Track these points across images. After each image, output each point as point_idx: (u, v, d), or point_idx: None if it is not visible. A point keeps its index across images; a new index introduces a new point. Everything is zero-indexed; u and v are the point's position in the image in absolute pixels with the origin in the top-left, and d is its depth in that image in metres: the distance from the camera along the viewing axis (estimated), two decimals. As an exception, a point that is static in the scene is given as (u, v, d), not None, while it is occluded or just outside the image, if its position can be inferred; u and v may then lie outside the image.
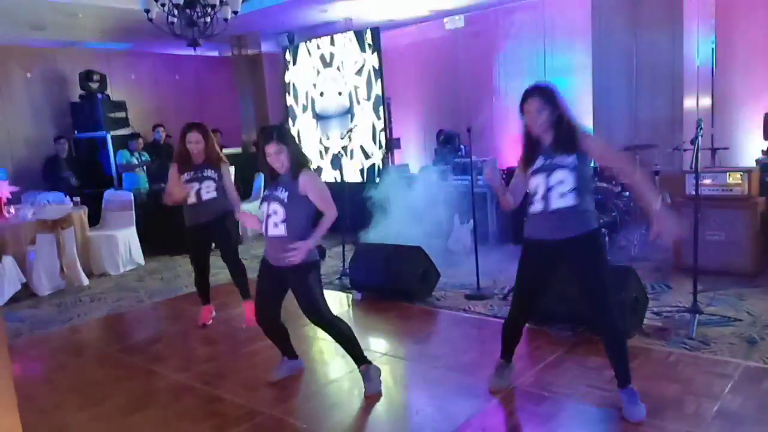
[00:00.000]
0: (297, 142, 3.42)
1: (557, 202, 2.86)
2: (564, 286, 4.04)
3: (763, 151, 5.71)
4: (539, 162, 2.93)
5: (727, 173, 5.10)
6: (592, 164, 3.04)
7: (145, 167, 8.43)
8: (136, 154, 8.44)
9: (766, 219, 5.15)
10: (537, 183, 2.93)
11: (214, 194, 4.50)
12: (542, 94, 2.89)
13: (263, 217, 3.32)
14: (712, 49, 6.54)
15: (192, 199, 4.49)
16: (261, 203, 3.36)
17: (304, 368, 3.76)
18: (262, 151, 3.26)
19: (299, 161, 3.27)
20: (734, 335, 3.81)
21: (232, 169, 4.80)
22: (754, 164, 5.57)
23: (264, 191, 3.43)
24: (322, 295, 3.39)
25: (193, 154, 4.49)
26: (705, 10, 6.45)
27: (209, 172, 4.51)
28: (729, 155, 6.18)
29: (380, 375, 3.43)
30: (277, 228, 3.23)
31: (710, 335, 3.82)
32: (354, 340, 3.39)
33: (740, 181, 5.02)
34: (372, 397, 3.34)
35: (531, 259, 3.06)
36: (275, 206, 3.23)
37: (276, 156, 3.21)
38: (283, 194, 3.22)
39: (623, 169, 2.99)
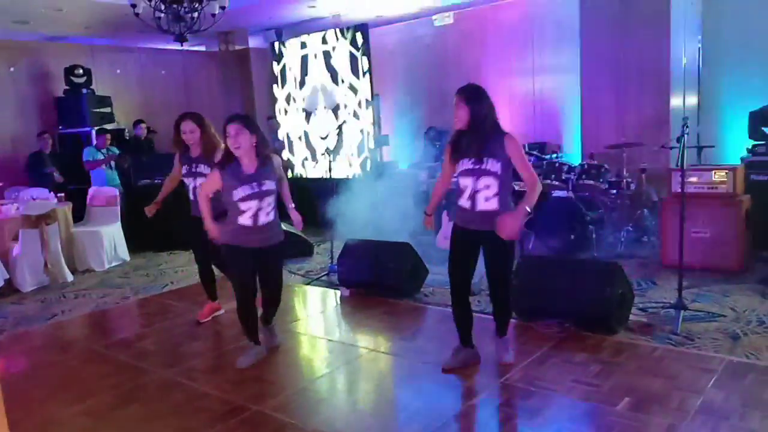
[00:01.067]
0: (261, 131, 3.59)
1: (482, 205, 3.23)
2: (550, 281, 4.08)
3: (748, 149, 5.77)
4: (467, 163, 3.24)
5: (713, 171, 5.15)
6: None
7: (113, 163, 7.89)
8: (104, 150, 7.88)
9: (750, 216, 5.21)
10: (465, 184, 3.27)
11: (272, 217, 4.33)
12: (463, 93, 3.22)
13: (249, 209, 3.50)
14: (699, 48, 6.60)
15: (190, 195, 4.35)
16: (247, 200, 3.48)
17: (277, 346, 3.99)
18: (223, 134, 3.46)
19: (265, 146, 3.52)
20: (718, 331, 3.85)
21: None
22: (739, 162, 5.63)
23: (243, 187, 3.46)
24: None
25: (190, 145, 4.30)
26: (691, 9, 6.50)
27: (202, 168, 4.25)
28: (715, 153, 6.24)
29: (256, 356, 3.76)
30: (269, 216, 3.57)
31: (695, 331, 3.86)
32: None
33: (725, 179, 5.07)
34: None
35: (459, 243, 3.38)
36: (270, 199, 3.54)
37: (234, 137, 3.38)
38: (272, 185, 3.53)
39: (530, 185, 3.20)
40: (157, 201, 4.59)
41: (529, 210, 3.13)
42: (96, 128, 8.35)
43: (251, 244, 3.57)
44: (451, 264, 3.41)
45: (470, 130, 3.22)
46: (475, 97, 3.22)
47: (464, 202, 3.30)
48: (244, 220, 3.51)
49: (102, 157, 7.83)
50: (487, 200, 3.23)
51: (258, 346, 3.84)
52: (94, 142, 8.49)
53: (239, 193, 3.46)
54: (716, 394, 3.00)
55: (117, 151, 8.02)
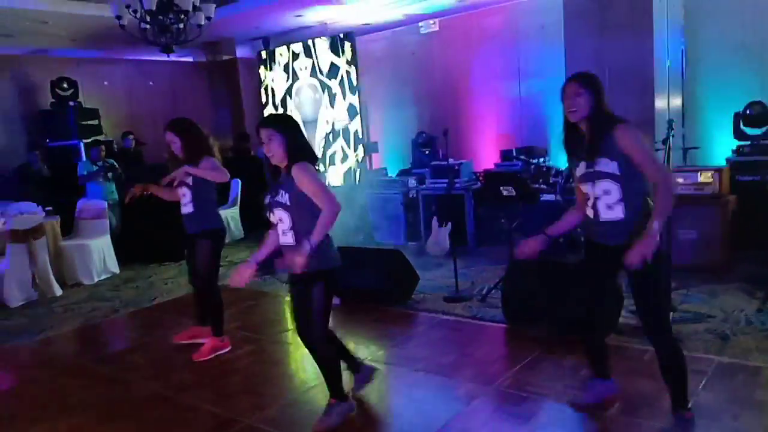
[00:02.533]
0: (298, 131, 2.96)
1: (605, 214, 2.66)
2: (539, 285, 4.09)
3: (733, 150, 5.82)
4: (582, 168, 2.70)
5: (699, 172, 5.19)
6: None
7: (110, 174, 7.67)
8: (99, 163, 7.67)
9: (736, 217, 5.25)
10: (586, 190, 2.72)
11: (190, 209, 4.04)
12: (580, 79, 2.71)
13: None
14: (682, 50, 6.66)
15: (182, 209, 4.14)
16: (267, 211, 2.99)
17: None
18: (259, 141, 2.93)
19: (296, 152, 2.87)
20: (707, 331, 3.87)
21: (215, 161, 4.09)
22: (724, 163, 5.68)
23: (268, 195, 2.99)
24: (324, 314, 3.03)
25: (178, 156, 4.07)
26: (674, 11, 6.56)
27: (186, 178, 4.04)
28: (700, 154, 6.28)
29: (345, 415, 3.10)
30: (285, 236, 2.94)
31: (684, 332, 3.88)
32: (337, 372, 3.12)
33: (711, 180, 5.11)
34: (315, 428, 3.02)
35: (590, 261, 2.87)
36: (280, 213, 2.90)
37: (267, 145, 2.86)
38: (284, 197, 2.86)
39: (657, 185, 2.55)
40: (148, 186, 4.24)
41: (658, 227, 2.47)
42: (89, 140, 8.25)
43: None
44: (586, 285, 2.91)
45: (585, 124, 2.69)
46: (596, 82, 2.69)
47: (588, 210, 2.75)
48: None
49: (96, 170, 7.60)
50: (610, 208, 2.65)
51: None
52: (83, 155, 8.45)
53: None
54: (707, 395, 3.02)
55: (113, 163, 7.82)
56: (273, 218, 2.98)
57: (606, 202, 2.64)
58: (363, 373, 3.42)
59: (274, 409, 3.35)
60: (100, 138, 8.88)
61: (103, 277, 6.87)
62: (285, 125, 2.93)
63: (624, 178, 2.58)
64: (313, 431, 3.00)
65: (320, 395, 3.53)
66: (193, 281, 4.31)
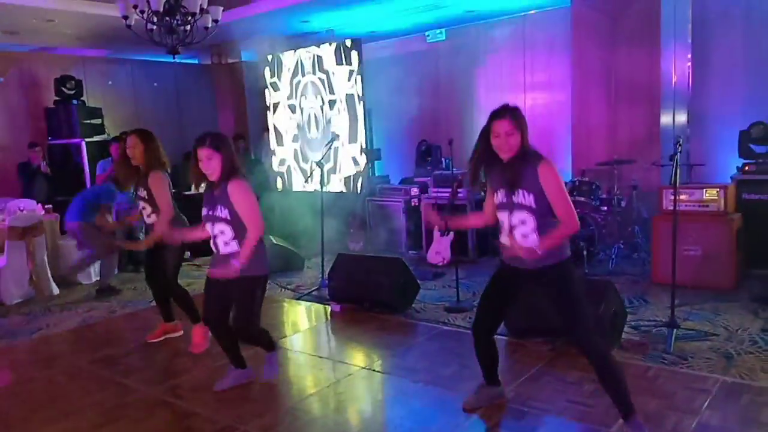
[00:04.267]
0: (233, 151, 3.27)
1: (521, 242, 2.75)
2: (541, 300, 4.04)
3: (738, 167, 5.80)
4: (501, 196, 2.81)
5: (704, 189, 5.17)
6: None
7: None
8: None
9: (741, 235, 5.23)
10: (502, 218, 2.85)
11: (154, 218, 4.18)
12: (513, 117, 2.75)
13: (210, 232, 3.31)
14: (689, 66, 6.65)
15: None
16: (204, 223, 3.32)
17: (253, 376, 3.68)
18: (194, 157, 3.19)
19: (231, 168, 3.18)
20: (711, 350, 3.83)
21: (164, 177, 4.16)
22: (729, 181, 5.66)
23: (204, 208, 3.29)
24: (257, 312, 3.40)
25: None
26: (681, 29, 6.56)
27: (140, 191, 4.17)
28: (704, 171, 6.27)
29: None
30: (228, 246, 3.25)
31: (688, 350, 3.84)
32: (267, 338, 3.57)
33: (716, 197, 5.09)
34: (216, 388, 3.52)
35: (500, 280, 3.03)
36: (221, 227, 3.22)
37: (207, 162, 3.15)
38: (224, 212, 3.18)
39: (562, 222, 2.69)
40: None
41: (544, 246, 2.65)
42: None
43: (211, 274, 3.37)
44: (481, 300, 3.09)
45: (512, 159, 2.75)
46: (523, 120, 2.78)
47: (504, 238, 2.89)
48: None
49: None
50: (525, 237, 2.75)
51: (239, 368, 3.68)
52: (85, 155, 8.41)
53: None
54: (712, 415, 2.98)
55: None
56: (210, 229, 3.27)
57: (521, 231, 2.76)
58: (241, 372, 3.66)
59: (271, 416, 3.30)
60: (102, 138, 8.85)
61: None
62: (226, 146, 3.21)
63: (539, 211, 2.70)
64: (215, 390, 3.52)
65: (318, 403, 3.49)
66: (153, 283, 4.46)
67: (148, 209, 4.19)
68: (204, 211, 3.30)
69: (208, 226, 3.30)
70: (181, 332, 4.63)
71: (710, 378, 3.40)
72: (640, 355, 3.79)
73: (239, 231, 3.18)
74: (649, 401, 3.14)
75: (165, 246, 4.13)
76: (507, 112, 2.77)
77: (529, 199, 2.71)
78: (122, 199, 6.27)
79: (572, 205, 2.74)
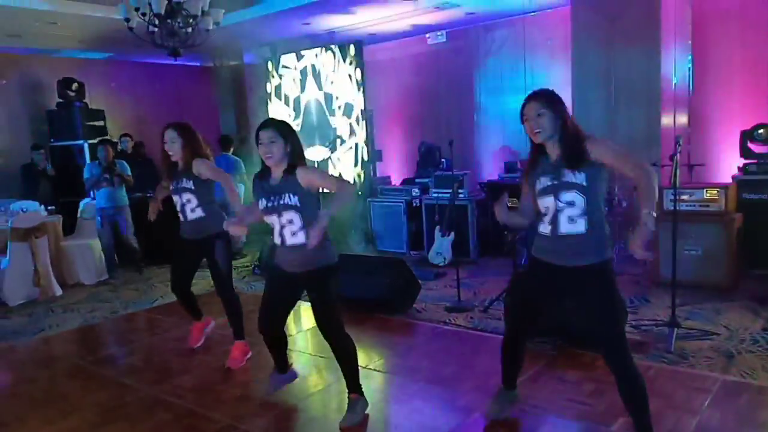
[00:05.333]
0: (298, 139, 3.07)
1: (566, 227, 2.60)
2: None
3: (739, 167, 5.80)
4: (545, 181, 2.64)
5: (704, 189, 5.17)
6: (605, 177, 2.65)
7: (116, 178, 6.84)
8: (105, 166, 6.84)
9: (742, 235, 5.23)
10: (546, 205, 2.65)
11: (200, 213, 3.92)
12: (541, 98, 2.65)
13: (273, 225, 3.05)
14: (689, 68, 6.66)
15: (180, 215, 4.03)
16: (267, 215, 3.03)
17: (297, 376, 3.62)
18: (256, 139, 3.00)
19: (297, 156, 3.01)
20: (712, 349, 3.84)
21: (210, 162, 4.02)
22: (730, 181, 5.66)
23: (262, 200, 3.03)
24: (338, 304, 3.18)
25: (171, 156, 3.94)
26: (682, 29, 6.57)
27: (185, 182, 3.92)
28: (705, 171, 6.27)
29: (366, 410, 3.21)
30: (296, 237, 2.98)
31: (688, 349, 3.84)
32: (356, 364, 3.20)
33: (717, 197, 5.10)
34: (346, 429, 3.10)
35: (534, 278, 2.84)
36: (290, 215, 2.96)
37: (268, 146, 2.94)
38: (294, 200, 2.94)
39: (638, 177, 2.51)
40: (155, 200, 4.32)
41: (653, 214, 2.40)
42: (95, 140, 8.00)
43: (282, 266, 3.14)
44: (518, 302, 2.92)
45: (554, 141, 2.63)
46: (557, 99, 2.66)
47: (544, 227, 2.70)
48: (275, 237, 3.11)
49: (105, 174, 6.79)
50: (572, 221, 2.59)
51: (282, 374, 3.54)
52: (88, 157, 8.42)
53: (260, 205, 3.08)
54: (712, 414, 2.98)
55: (123, 167, 7.01)
56: (277, 220, 3.01)
57: (569, 214, 2.58)
58: (285, 376, 3.52)
59: (272, 416, 3.31)
60: (107, 139, 8.88)
61: (103, 278, 6.84)
62: (290, 133, 3.02)
63: (590, 191, 2.55)
64: (342, 428, 3.12)
65: (318, 403, 3.50)
66: (179, 288, 4.24)
67: (194, 202, 3.91)
68: (263, 203, 3.01)
69: (273, 218, 3.04)
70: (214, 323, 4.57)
71: (711, 377, 3.40)
72: (641, 354, 3.78)
73: (307, 219, 2.95)
74: (650, 400, 3.13)
75: (220, 235, 3.91)
76: (533, 95, 2.69)
77: (580, 177, 2.55)
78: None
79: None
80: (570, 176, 2.56)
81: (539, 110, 2.62)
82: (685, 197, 5.13)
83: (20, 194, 7.59)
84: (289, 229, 3.00)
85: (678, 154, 4.04)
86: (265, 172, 3.08)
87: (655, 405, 3.07)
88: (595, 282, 2.59)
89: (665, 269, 5.00)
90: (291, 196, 2.95)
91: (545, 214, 2.67)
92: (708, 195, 5.15)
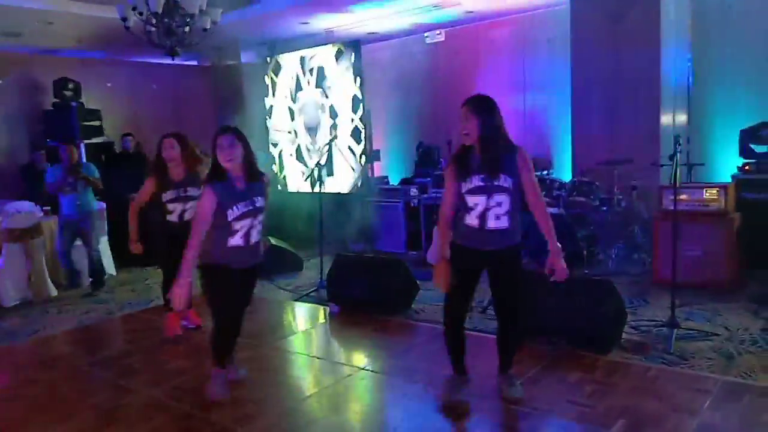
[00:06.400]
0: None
1: (493, 223, 3.00)
2: (542, 299, 4.03)
3: (738, 167, 5.79)
4: (476, 181, 2.98)
5: (704, 189, 5.15)
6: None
7: (81, 182, 6.11)
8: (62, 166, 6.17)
9: (742, 235, 5.21)
10: (476, 202, 3.01)
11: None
12: (472, 104, 3.01)
13: (242, 227, 3.23)
14: (689, 66, 6.64)
15: (173, 218, 4.29)
16: (244, 219, 3.20)
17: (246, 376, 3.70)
18: (213, 147, 3.18)
19: (255, 162, 3.27)
20: (712, 350, 3.81)
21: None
22: (729, 180, 5.64)
23: (235, 201, 3.16)
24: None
25: (170, 166, 4.23)
26: (682, 28, 6.56)
27: (192, 191, 4.18)
28: (704, 171, 6.25)
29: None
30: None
31: (688, 350, 3.82)
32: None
33: (716, 197, 5.08)
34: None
35: (462, 262, 3.10)
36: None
37: (230, 149, 3.14)
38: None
39: (539, 208, 3.04)
40: (134, 240, 4.56)
41: (556, 245, 3.03)
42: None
43: (241, 264, 3.30)
44: (452, 289, 3.08)
45: (481, 145, 2.98)
46: (486, 107, 3.01)
47: (472, 220, 3.04)
48: (236, 240, 3.23)
49: (68, 178, 6.09)
50: (498, 218, 3.00)
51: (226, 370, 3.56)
52: (84, 156, 8.35)
53: (235, 211, 3.17)
54: (713, 415, 2.95)
55: (92, 167, 6.42)
56: (248, 223, 3.21)
57: (496, 212, 2.99)
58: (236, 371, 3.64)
59: (270, 418, 3.28)
60: (101, 139, 8.84)
61: (48, 294, 6.74)
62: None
63: (514, 194, 3.00)
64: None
65: (317, 404, 3.47)
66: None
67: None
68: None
69: (246, 221, 3.22)
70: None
71: (711, 378, 3.38)
72: (641, 355, 3.77)
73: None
74: (649, 402, 3.12)
75: None
76: (467, 101, 3.08)
77: (508, 182, 2.97)
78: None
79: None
80: (501, 180, 2.95)
81: (468, 115, 2.99)
82: (684, 197, 5.11)
83: (20, 195, 7.54)
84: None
85: (678, 154, 4.02)
86: (219, 179, 3.20)
87: (655, 406, 3.06)
88: (510, 260, 3.11)
89: (664, 269, 4.98)
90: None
91: (472, 209, 3.02)
92: (707, 195, 5.13)
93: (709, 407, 3.04)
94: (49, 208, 6.80)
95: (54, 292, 6.18)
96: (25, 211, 6.16)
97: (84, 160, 8.23)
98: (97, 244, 6.44)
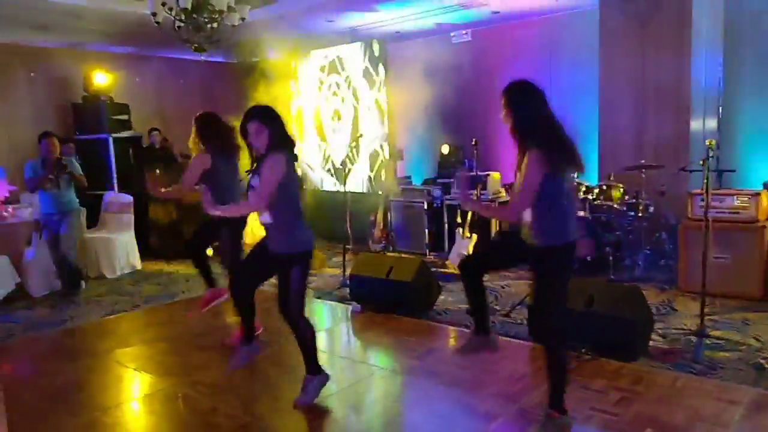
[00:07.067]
0: (282, 124, 3.23)
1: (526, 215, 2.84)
2: (569, 304, 3.98)
3: (770, 174, 5.67)
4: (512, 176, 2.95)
5: (735, 196, 5.05)
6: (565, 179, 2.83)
7: (63, 177, 5.74)
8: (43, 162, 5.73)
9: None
10: None
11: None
12: (506, 92, 2.91)
13: None
14: (720, 71, 6.52)
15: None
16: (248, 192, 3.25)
17: (259, 350, 3.60)
18: (242, 130, 3.20)
19: (276, 143, 3.15)
20: (741, 361, 3.74)
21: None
22: (761, 188, 5.53)
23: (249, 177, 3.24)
24: (301, 293, 3.24)
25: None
26: (713, 33, 6.43)
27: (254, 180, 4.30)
28: (735, 178, 6.13)
29: (321, 387, 3.39)
30: (263, 216, 3.17)
31: (717, 360, 3.75)
32: (313, 348, 3.37)
33: (747, 204, 4.97)
34: (298, 406, 3.30)
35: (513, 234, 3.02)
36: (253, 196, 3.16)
37: (255, 136, 3.14)
38: (256, 181, 3.13)
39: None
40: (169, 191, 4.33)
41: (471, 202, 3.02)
42: (44, 131, 7.48)
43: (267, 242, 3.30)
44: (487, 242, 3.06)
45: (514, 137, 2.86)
46: (520, 96, 2.89)
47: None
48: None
49: (49, 173, 5.67)
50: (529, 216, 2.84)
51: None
52: (112, 151, 8.46)
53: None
54: (743, 428, 2.90)
55: (75, 163, 6.07)
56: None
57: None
58: (251, 347, 3.50)
59: (293, 414, 3.29)
60: (129, 133, 8.93)
61: (125, 271, 6.90)
62: (272, 120, 3.20)
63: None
64: (295, 406, 3.29)
65: (338, 403, 3.47)
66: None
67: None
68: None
69: None
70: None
71: (741, 389, 3.31)
72: (668, 363, 3.71)
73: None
74: (677, 412, 3.07)
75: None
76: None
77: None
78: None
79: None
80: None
81: (505, 102, 2.89)
82: (714, 204, 5.01)
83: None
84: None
85: (709, 159, 3.94)
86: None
87: (683, 416, 3.02)
88: (536, 262, 2.86)
89: (692, 277, 4.90)
90: (257, 177, 3.11)
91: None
92: (738, 202, 5.03)
93: (740, 419, 2.97)
94: (78, 200, 6.87)
95: (82, 284, 6.26)
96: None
97: (112, 152, 8.37)
98: (75, 245, 5.94)
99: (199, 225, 4.40)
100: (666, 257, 5.92)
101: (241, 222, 4.32)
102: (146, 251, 7.39)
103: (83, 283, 6.19)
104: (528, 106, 2.82)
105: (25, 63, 8.78)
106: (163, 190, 4.22)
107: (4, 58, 8.57)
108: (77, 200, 5.98)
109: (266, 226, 3.22)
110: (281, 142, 3.17)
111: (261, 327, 4.40)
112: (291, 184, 3.17)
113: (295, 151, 3.27)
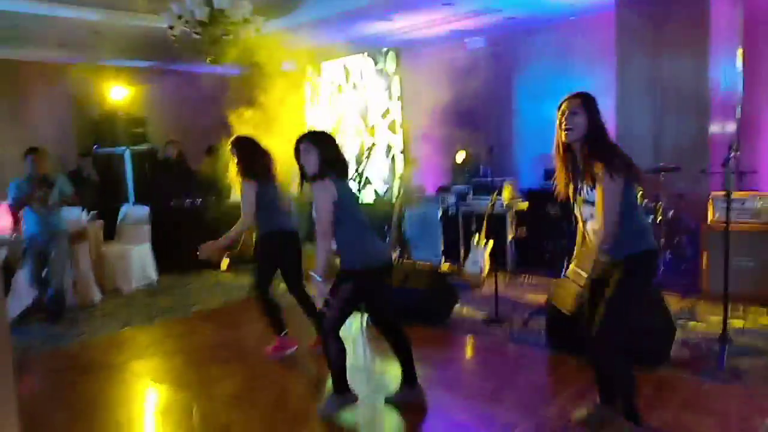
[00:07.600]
0: (334, 147, 3.29)
1: (590, 235, 2.80)
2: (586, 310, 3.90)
3: (792, 176, 5.54)
4: (585, 191, 2.76)
5: (758, 198, 4.95)
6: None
7: (55, 197, 5.46)
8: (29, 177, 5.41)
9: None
10: (586, 213, 2.83)
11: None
12: (579, 97, 2.74)
13: None
14: (739, 72, 6.41)
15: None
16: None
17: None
18: (296, 151, 3.27)
19: (324, 165, 3.20)
20: (766, 368, 3.63)
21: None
22: (783, 190, 5.41)
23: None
24: (342, 310, 3.30)
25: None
26: (732, 34, 6.33)
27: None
28: (756, 180, 6.00)
29: (343, 406, 3.35)
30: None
31: (741, 367, 3.65)
32: (338, 367, 3.35)
33: (771, 207, 4.86)
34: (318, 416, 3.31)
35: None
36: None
37: (305, 155, 3.21)
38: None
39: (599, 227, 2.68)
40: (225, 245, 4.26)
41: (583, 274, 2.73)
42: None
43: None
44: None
45: (582, 145, 2.73)
46: (594, 104, 2.77)
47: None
48: None
49: (36, 192, 5.36)
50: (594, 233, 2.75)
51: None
52: (129, 164, 8.53)
53: None
54: (771, 436, 2.81)
55: (65, 180, 5.74)
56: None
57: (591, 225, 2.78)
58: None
59: (307, 427, 3.26)
60: (146, 146, 9.02)
61: (141, 283, 6.92)
62: (322, 143, 3.27)
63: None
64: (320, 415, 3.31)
65: (354, 414, 3.43)
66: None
67: None
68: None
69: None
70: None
71: (767, 396, 3.22)
72: (691, 370, 3.62)
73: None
74: (703, 419, 2.99)
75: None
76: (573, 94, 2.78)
77: (593, 196, 2.71)
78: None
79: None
80: (593, 194, 2.70)
81: (577, 110, 2.70)
82: (736, 206, 4.91)
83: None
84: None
85: (731, 160, 3.86)
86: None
87: (709, 423, 2.94)
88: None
89: (714, 282, 4.79)
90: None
91: (586, 221, 2.84)
92: (760, 204, 4.93)
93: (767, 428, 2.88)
94: (96, 212, 6.94)
95: (98, 297, 6.29)
96: (71, 217, 6.30)
97: (129, 165, 8.43)
98: (63, 270, 5.58)
99: (257, 264, 4.30)
100: (686, 261, 5.80)
101: (297, 246, 4.34)
102: (164, 263, 7.41)
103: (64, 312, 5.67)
104: (600, 117, 2.77)
105: (44, 80, 8.93)
106: (222, 239, 4.14)
107: (25, 76, 8.74)
108: (64, 221, 5.69)
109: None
110: (330, 165, 3.21)
111: (296, 344, 4.42)
112: (342, 203, 3.20)
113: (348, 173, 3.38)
